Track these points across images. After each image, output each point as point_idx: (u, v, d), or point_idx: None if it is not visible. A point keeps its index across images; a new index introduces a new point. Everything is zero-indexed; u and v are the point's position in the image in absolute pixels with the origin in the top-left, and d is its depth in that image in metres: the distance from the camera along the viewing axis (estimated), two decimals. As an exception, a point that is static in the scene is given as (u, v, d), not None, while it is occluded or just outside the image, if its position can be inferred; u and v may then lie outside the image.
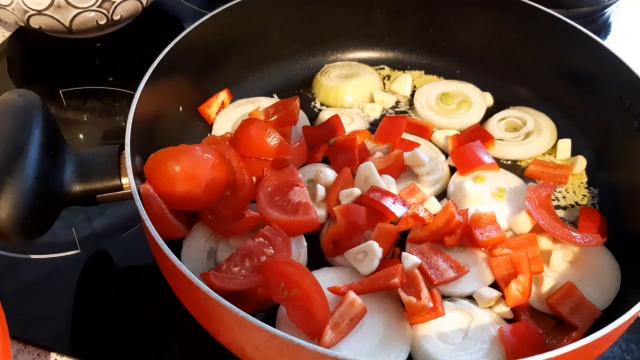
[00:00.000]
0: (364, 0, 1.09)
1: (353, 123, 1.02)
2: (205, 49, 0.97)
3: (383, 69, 1.13)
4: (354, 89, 1.07)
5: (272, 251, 0.78)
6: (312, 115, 1.04)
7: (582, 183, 0.96)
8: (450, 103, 1.05)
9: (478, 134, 0.98)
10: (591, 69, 0.97)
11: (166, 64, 0.87)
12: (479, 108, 1.05)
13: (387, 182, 0.88)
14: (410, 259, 0.79)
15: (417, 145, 0.95)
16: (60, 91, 1.11)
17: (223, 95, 1.02)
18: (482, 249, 0.83)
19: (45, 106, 0.75)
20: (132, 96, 0.80)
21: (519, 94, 1.07)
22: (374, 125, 1.03)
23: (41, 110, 0.74)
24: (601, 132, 0.97)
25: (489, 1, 1.04)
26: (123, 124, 0.78)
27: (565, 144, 0.99)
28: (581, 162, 0.96)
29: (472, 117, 1.04)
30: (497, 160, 0.96)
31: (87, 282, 0.85)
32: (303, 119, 1.02)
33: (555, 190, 0.94)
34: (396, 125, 0.96)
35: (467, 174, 0.93)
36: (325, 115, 1.02)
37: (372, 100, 1.07)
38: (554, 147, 1.00)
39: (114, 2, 1.07)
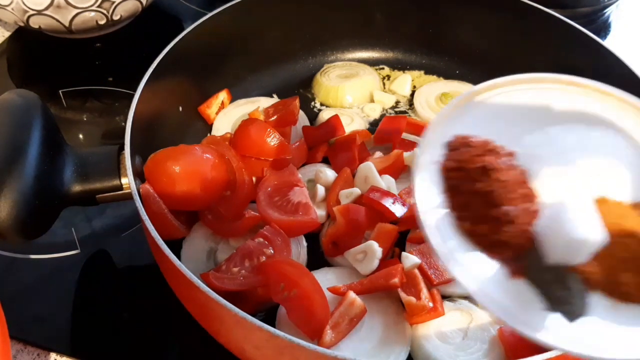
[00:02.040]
0: (364, 1, 1.09)
1: (353, 123, 1.02)
2: (205, 49, 0.97)
3: (383, 69, 1.13)
4: (353, 89, 1.07)
5: (272, 251, 0.78)
6: (312, 115, 1.04)
7: (582, 183, 0.96)
8: (450, 103, 1.05)
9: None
10: (591, 69, 0.97)
11: (166, 64, 0.87)
12: (478, 108, 1.05)
13: (387, 182, 0.88)
14: (410, 259, 0.79)
15: (417, 145, 0.95)
16: (60, 91, 1.11)
17: (223, 95, 1.02)
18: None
19: (44, 106, 0.75)
20: (132, 96, 0.80)
21: (518, 94, 1.07)
22: (373, 125, 1.03)
23: (41, 110, 0.74)
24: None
25: (489, 1, 1.04)
26: (123, 124, 0.78)
27: (565, 144, 0.99)
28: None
29: (472, 117, 1.04)
30: (497, 160, 0.96)
31: (87, 282, 0.85)
32: (303, 119, 1.02)
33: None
34: (396, 125, 0.96)
35: (467, 174, 0.93)
36: (325, 115, 1.02)
37: (372, 100, 1.07)
38: (554, 147, 1.00)
39: (113, 2, 1.07)
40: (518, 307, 0.45)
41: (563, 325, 0.44)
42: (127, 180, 0.74)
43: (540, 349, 0.73)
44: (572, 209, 0.45)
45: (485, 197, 0.46)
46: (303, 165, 0.94)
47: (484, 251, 0.46)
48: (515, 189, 0.46)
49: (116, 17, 1.10)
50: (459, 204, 0.47)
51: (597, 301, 0.45)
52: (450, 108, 0.51)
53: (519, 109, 0.52)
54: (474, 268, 0.45)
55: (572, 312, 0.44)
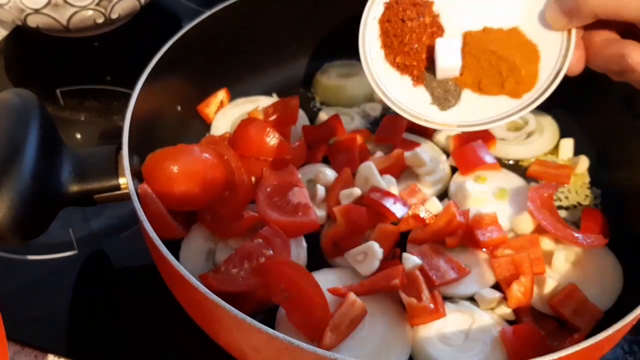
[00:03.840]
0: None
1: (353, 122, 1.01)
2: (204, 47, 0.96)
3: (383, 68, 1.12)
4: (354, 88, 1.06)
5: (271, 252, 0.77)
6: (312, 115, 1.04)
7: (584, 183, 0.95)
8: (451, 102, 1.05)
9: (479, 133, 0.97)
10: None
11: (164, 63, 0.86)
12: (479, 107, 1.05)
13: (388, 182, 0.87)
14: (411, 260, 0.78)
15: (418, 145, 0.94)
16: (58, 90, 1.10)
17: (222, 95, 1.02)
18: (484, 249, 0.83)
19: (42, 105, 0.75)
20: (130, 95, 0.80)
21: (520, 93, 1.07)
22: (374, 125, 1.02)
23: (38, 109, 0.73)
24: (604, 132, 0.97)
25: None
26: (120, 123, 0.77)
27: (568, 144, 0.98)
28: (583, 162, 0.96)
29: (473, 116, 1.03)
30: (498, 160, 0.95)
31: (84, 283, 0.84)
32: (303, 118, 1.01)
33: (557, 191, 0.93)
34: (397, 125, 0.96)
35: (469, 174, 0.92)
36: (325, 114, 1.02)
37: (373, 100, 1.07)
38: (556, 147, 0.99)
39: (111, 1, 1.06)
40: (415, 104, 0.72)
41: (441, 112, 0.72)
42: (125, 180, 0.74)
43: (543, 350, 0.72)
44: (442, 42, 0.69)
45: (402, 38, 0.71)
46: (303, 165, 0.94)
47: (400, 71, 0.73)
48: (425, 31, 0.70)
49: (114, 16, 1.10)
50: (386, 44, 0.73)
51: (466, 95, 0.71)
52: None
53: None
54: (392, 82, 0.73)
55: (448, 103, 0.71)
